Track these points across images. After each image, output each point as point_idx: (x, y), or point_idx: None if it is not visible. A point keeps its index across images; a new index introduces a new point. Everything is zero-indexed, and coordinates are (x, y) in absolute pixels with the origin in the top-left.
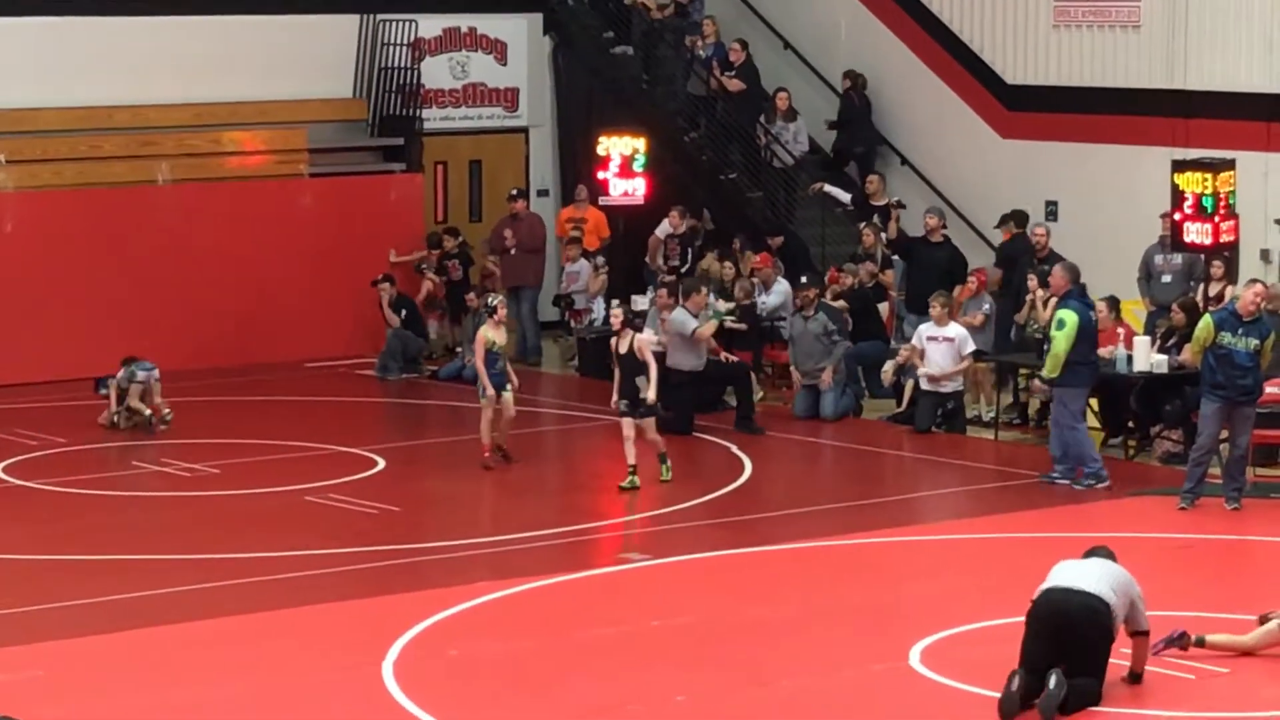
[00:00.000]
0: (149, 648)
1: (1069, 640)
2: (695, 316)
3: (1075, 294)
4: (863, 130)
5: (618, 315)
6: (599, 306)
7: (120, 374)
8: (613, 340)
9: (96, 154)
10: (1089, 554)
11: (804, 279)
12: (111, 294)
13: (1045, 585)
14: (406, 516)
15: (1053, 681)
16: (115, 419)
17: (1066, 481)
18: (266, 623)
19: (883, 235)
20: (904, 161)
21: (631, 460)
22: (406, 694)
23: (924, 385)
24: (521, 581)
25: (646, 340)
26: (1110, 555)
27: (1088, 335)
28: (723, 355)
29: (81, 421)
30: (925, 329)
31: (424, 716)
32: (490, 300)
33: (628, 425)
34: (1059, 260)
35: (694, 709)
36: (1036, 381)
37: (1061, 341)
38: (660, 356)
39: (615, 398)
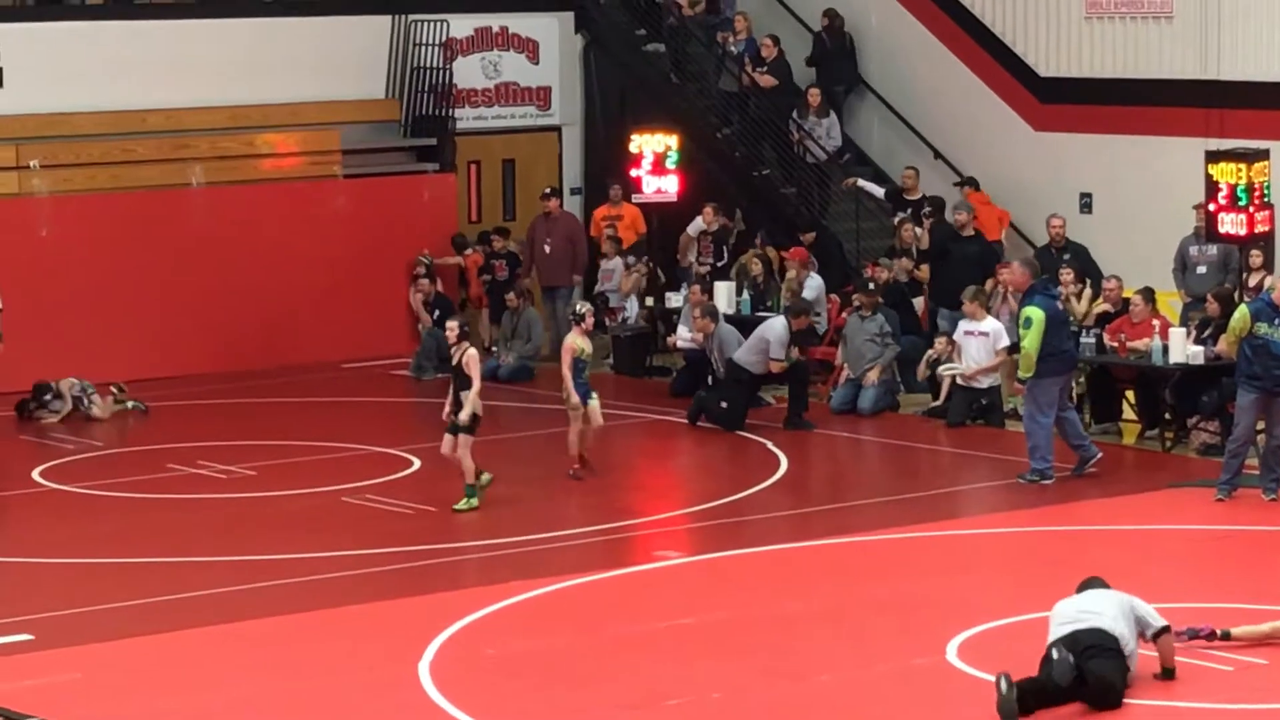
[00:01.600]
0: (186, 649)
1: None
2: (791, 337)
3: (1038, 288)
4: (842, 69)
5: (453, 329)
6: (632, 305)
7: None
8: (451, 351)
9: (130, 157)
10: (1082, 587)
11: (871, 285)
12: (146, 297)
13: (1051, 637)
14: (442, 516)
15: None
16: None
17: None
18: (303, 624)
19: (917, 232)
20: (937, 155)
21: (469, 479)
22: (443, 693)
23: (959, 380)
24: (557, 580)
25: (474, 356)
26: (1103, 584)
27: (1057, 326)
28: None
29: (117, 424)
30: (962, 323)
31: (460, 715)
32: (579, 307)
33: (447, 441)
34: (1079, 251)
35: (730, 704)
36: (1017, 384)
37: (1032, 339)
38: (699, 357)
39: (447, 410)
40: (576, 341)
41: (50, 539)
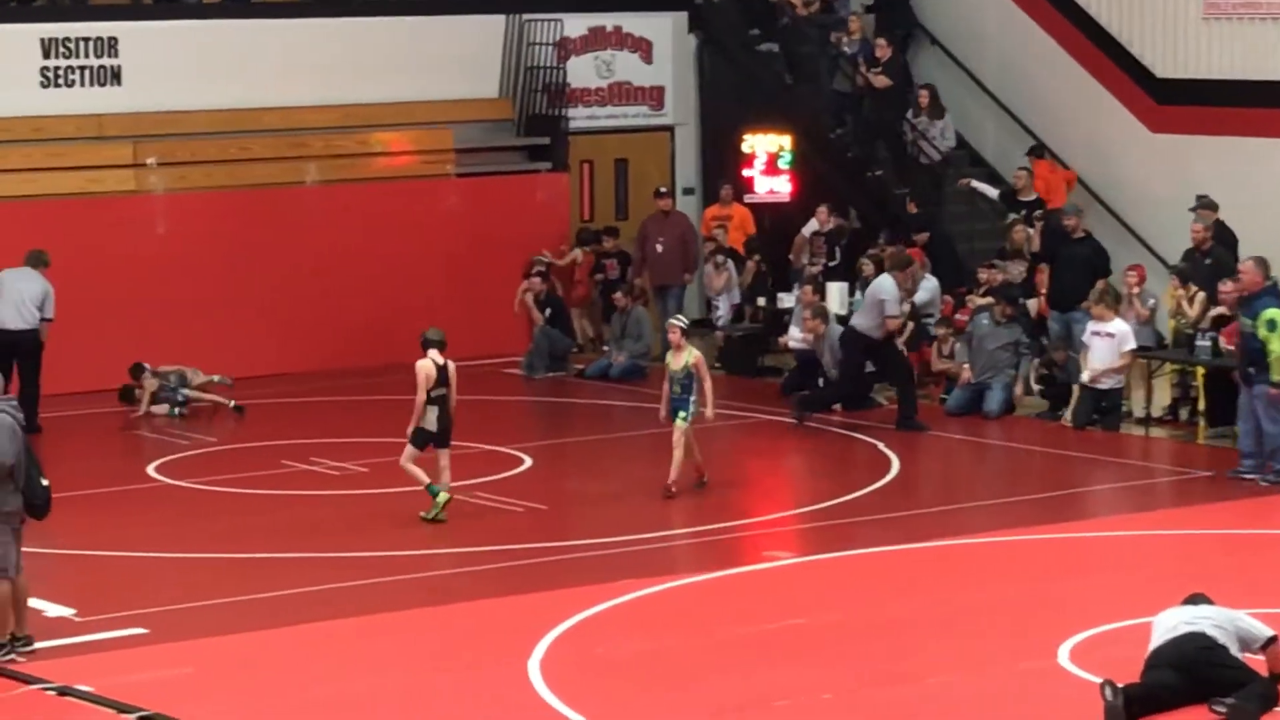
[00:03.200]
0: (299, 645)
1: (1195, 680)
2: (900, 290)
3: (1271, 289)
4: (902, 13)
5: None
6: (724, 304)
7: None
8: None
9: (245, 156)
10: (1187, 603)
11: (1018, 297)
12: (259, 295)
13: (1153, 645)
14: (553, 514)
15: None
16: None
17: (1255, 476)
18: (413, 620)
19: (1029, 233)
20: (1049, 154)
21: (423, 480)
22: (552, 691)
23: (1084, 380)
24: (666, 579)
25: (452, 367)
26: (1207, 600)
27: None
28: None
29: (232, 420)
30: (1089, 325)
31: (569, 713)
32: (672, 320)
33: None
34: (1222, 256)
35: (840, 706)
36: (1272, 389)
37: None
38: (810, 358)
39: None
40: (668, 356)
41: (164, 534)
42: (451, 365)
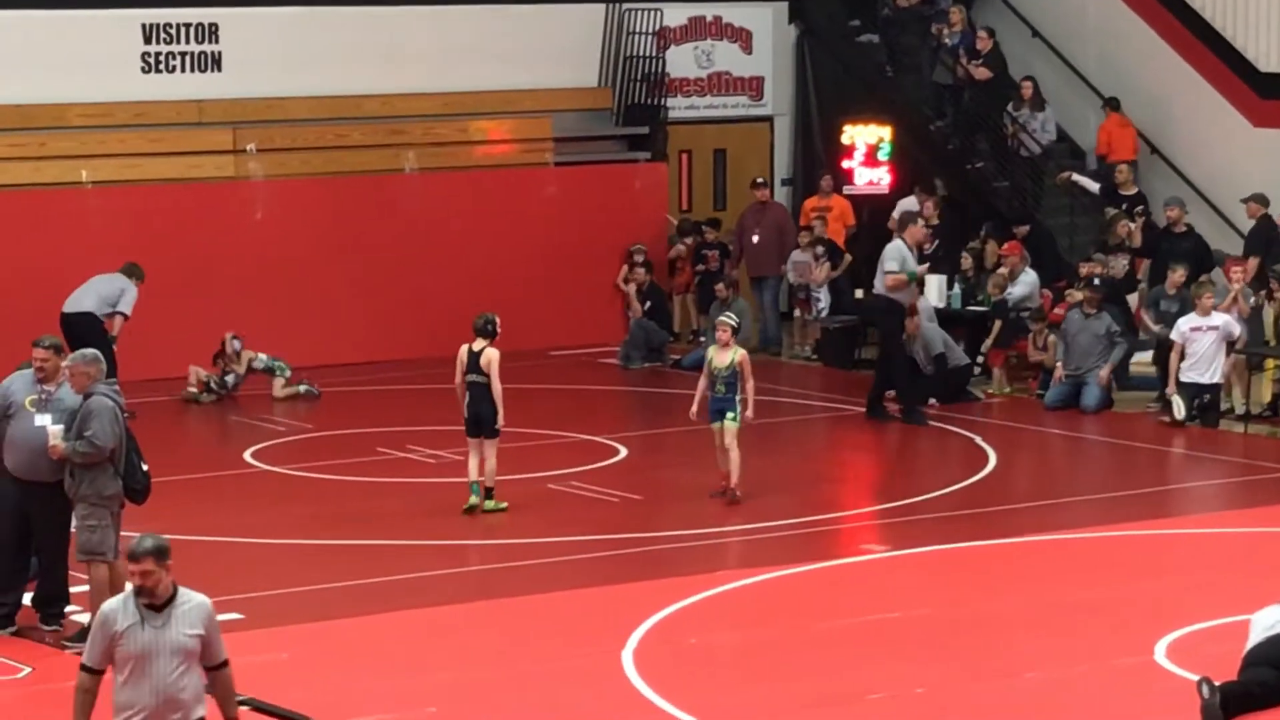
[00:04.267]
0: (393, 632)
1: None
2: (911, 252)
3: None
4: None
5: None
6: (825, 295)
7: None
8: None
9: (344, 143)
10: None
11: (1096, 280)
12: (356, 282)
13: (1250, 643)
14: (648, 505)
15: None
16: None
17: None
18: (508, 608)
19: (1130, 227)
20: (1153, 150)
21: (472, 476)
22: (646, 681)
23: (1184, 377)
24: (761, 571)
25: (494, 356)
26: None
27: None
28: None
29: (328, 406)
30: (1186, 320)
31: (663, 704)
32: (722, 317)
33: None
34: None
35: (934, 700)
36: None
37: None
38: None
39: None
40: (711, 352)
41: (261, 520)
42: (491, 353)
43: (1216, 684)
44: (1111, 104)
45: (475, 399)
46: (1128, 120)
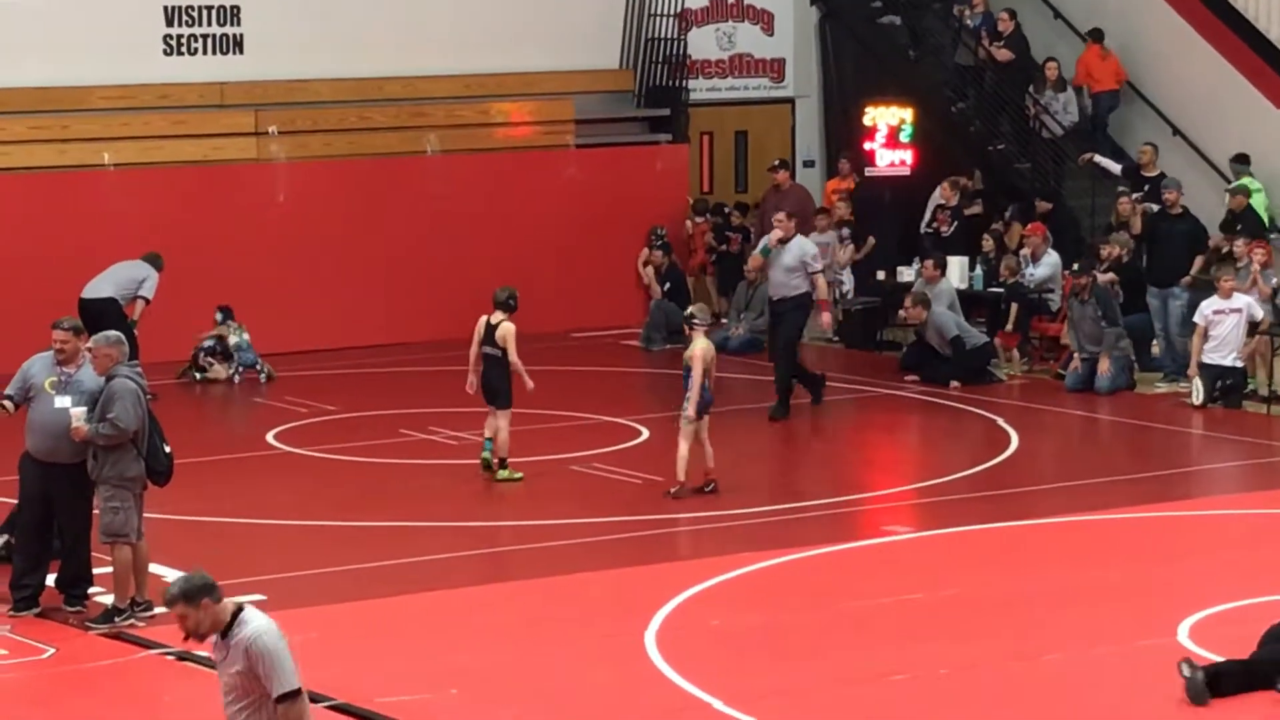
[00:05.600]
0: (416, 614)
1: None
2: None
3: None
4: None
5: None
6: (849, 277)
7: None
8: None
9: (366, 125)
10: None
11: (1075, 266)
12: (378, 263)
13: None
14: (670, 486)
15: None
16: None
17: None
18: (531, 589)
19: (1134, 205)
20: (1175, 132)
21: (487, 433)
22: (668, 662)
23: (1206, 359)
24: (784, 553)
25: (510, 330)
26: None
27: None
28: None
29: (351, 388)
30: (1209, 303)
31: (685, 685)
32: (691, 309)
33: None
34: None
35: (957, 681)
36: None
37: None
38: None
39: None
40: (700, 345)
41: (284, 501)
42: (507, 327)
43: (1198, 664)
44: (1094, 35)
45: (486, 370)
46: (1109, 51)
